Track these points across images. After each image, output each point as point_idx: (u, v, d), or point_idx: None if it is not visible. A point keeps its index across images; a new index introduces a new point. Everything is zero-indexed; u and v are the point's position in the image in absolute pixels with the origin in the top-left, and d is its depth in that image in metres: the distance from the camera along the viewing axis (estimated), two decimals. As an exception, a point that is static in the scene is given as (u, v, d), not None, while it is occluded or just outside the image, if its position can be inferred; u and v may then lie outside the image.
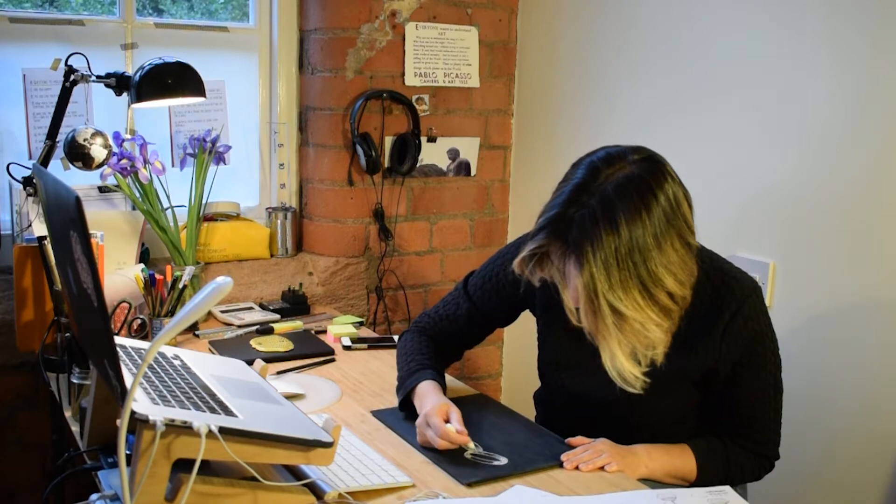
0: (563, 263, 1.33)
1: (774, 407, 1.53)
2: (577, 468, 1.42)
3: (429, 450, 1.45)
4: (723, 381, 1.48)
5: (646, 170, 1.33)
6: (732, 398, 1.50)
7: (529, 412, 1.73)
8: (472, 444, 1.45)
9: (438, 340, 1.74)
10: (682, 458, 1.48)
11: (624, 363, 1.34)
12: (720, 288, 1.44)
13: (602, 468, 1.41)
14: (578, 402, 1.58)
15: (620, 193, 1.29)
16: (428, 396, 1.54)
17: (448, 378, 1.73)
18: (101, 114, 2.27)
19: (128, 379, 1.12)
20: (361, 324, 2.24)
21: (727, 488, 1.32)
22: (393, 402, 1.69)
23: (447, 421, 1.46)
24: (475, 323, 1.72)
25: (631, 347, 1.35)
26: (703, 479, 1.47)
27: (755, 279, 1.52)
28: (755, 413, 1.51)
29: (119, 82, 1.92)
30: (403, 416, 1.60)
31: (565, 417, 1.63)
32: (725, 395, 1.50)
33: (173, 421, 1.07)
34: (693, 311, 1.41)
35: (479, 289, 1.70)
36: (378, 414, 1.62)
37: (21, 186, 1.94)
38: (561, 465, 1.42)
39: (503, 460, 1.42)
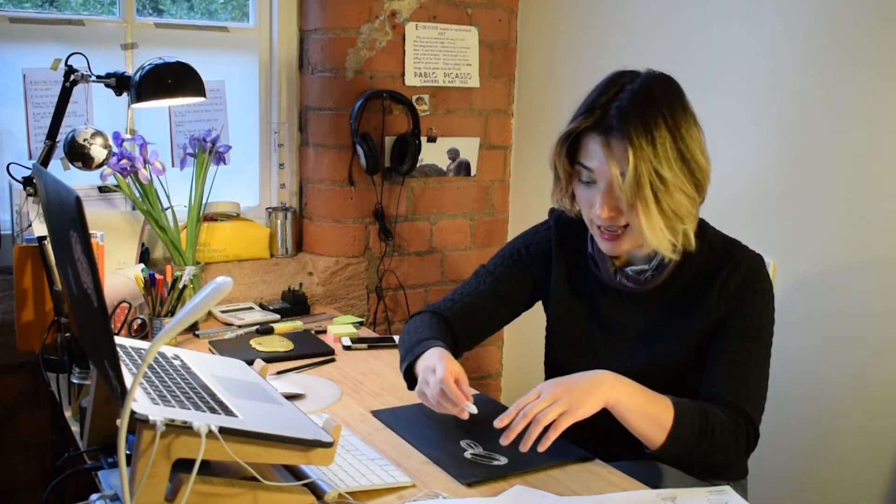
0: (606, 144, 1.41)
1: (758, 371, 1.47)
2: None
3: (429, 449, 1.44)
4: (719, 337, 1.47)
5: (663, 74, 1.51)
6: (716, 350, 1.46)
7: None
8: (472, 406, 1.36)
9: (454, 322, 1.65)
10: (657, 399, 1.37)
11: (660, 225, 1.39)
12: (720, 252, 1.50)
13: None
14: None
15: (652, 82, 1.46)
16: (434, 357, 1.44)
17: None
18: (101, 114, 2.27)
19: (128, 379, 1.12)
20: (361, 324, 2.24)
21: (727, 488, 1.32)
22: (393, 401, 1.69)
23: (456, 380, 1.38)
24: (498, 299, 1.66)
25: (664, 220, 1.40)
26: (677, 425, 1.35)
27: (760, 255, 1.53)
28: (735, 363, 1.44)
29: (119, 82, 1.92)
30: (404, 416, 1.60)
31: None
32: (710, 348, 1.47)
33: (173, 421, 1.07)
34: (693, 276, 1.47)
35: (499, 265, 1.70)
36: (378, 414, 1.62)
37: (21, 186, 1.94)
38: (561, 464, 1.42)
39: (503, 460, 1.42)
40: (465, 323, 1.66)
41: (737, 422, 1.41)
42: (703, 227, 1.52)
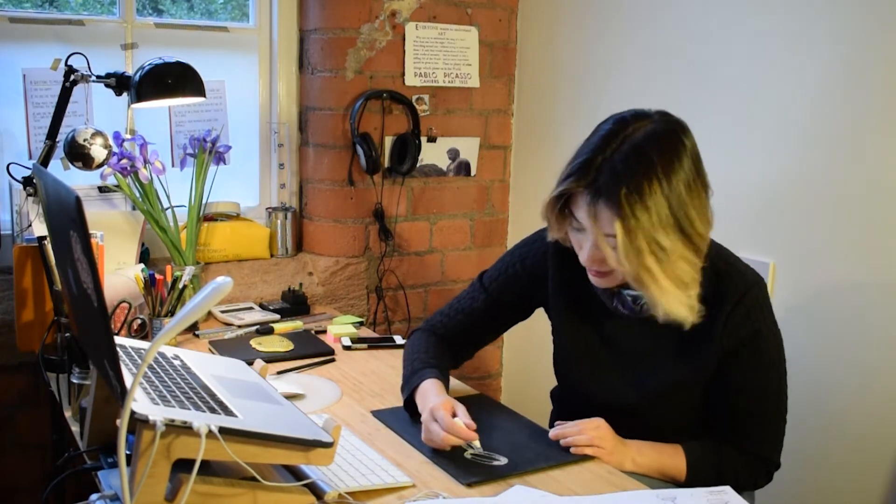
0: (593, 207, 1.34)
1: (774, 408, 1.51)
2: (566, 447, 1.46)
3: (429, 449, 1.44)
4: (727, 377, 1.46)
5: (671, 123, 1.40)
6: (729, 392, 1.47)
7: (529, 412, 1.72)
8: (476, 442, 1.45)
9: (451, 338, 1.72)
10: (672, 458, 1.47)
11: (672, 291, 1.35)
12: (723, 277, 1.43)
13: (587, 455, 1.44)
14: (590, 403, 1.57)
15: (652, 141, 1.34)
16: (429, 394, 1.53)
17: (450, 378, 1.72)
18: (101, 114, 2.27)
19: (128, 379, 1.12)
20: (361, 324, 2.24)
21: (727, 488, 1.32)
22: (393, 401, 1.69)
23: (454, 416, 1.45)
24: (492, 315, 1.71)
25: (674, 285, 1.36)
26: (693, 480, 1.45)
27: (759, 276, 1.50)
28: (751, 409, 1.48)
29: (119, 82, 1.92)
30: (404, 416, 1.59)
31: (578, 416, 1.61)
32: (721, 388, 1.48)
33: (173, 421, 1.07)
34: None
35: (494, 280, 1.70)
36: (378, 414, 1.62)
37: (21, 186, 1.94)
38: (561, 464, 1.42)
39: (503, 460, 1.42)
40: (461, 338, 1.73)
41: (755, 466, 1.49)
42: (713, 252, 1.45)
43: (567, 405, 1.69)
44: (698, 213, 1.34)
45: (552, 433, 1.48)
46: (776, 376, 1.49)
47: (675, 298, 1.35)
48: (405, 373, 1.65)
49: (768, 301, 1.48)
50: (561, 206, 1.42)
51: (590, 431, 1.45)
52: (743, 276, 1.45)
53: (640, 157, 1.32)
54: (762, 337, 1.45)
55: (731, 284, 1.43)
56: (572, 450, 1.44)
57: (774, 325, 1.49)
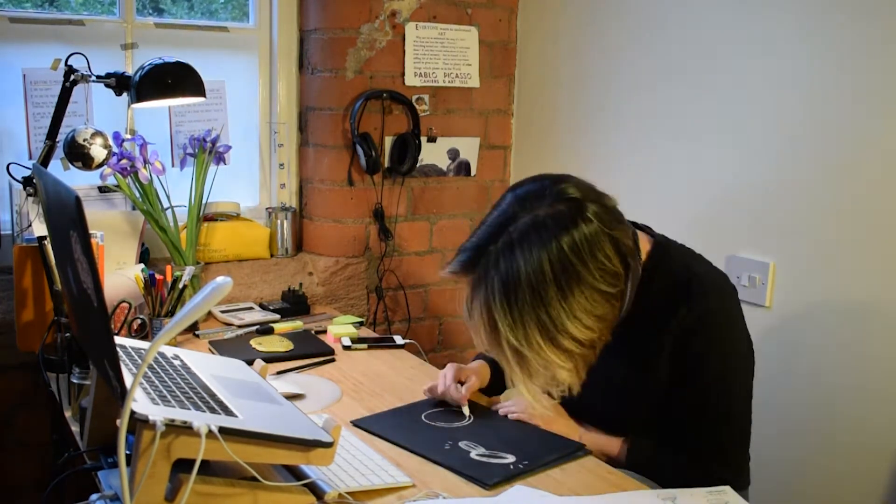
0: (471, 295, 1.33)
1: (726, 420, 1.43)
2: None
3: (432, 454, 1.44)
4: (677, 380, 1.43)
5: (557, 214, 1.29)
6: (681, 401, 1.43)
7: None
8: (466, 409, 1.61)
9: None
10: (610, 442, 1.51)
11: (528, 394, 1.36)
12: (681, 282, 1.42)
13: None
14: (579, 409, 1.59)
15: (524, 236, 1.28)
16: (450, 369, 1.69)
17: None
18: (101, 114, 2.27)
19: (128, 379, 1.12)
20: (361, 324, 2.24)
21: (727, 488, 1.32)
22: (392, 401, 1.69)
23: (462, 381, 1.64)
24: None
25: (537, 382, 1.35)
26: (633, 466, 1.48)
27: (726, 278, 1.47)
28: (704, 421, 1.43)
29: (119, 82, 1.92)
30: (386, 421, 1.58)
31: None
32: (675, 397, 1.44)
33: (173, 421, 1.07)
34: (651, 308, 1.41)
35: None
36: (360, 423, 1.57)
37: (21, 186, 1.94)
38: (567, 460, 1.43)
39: (510, 458, 1.42)
40: None
41: (699, 474, 1.40)
42: (663, 250, 1.45)
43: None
44: (573, 314, 1.28)
45: (495, 407, 1.62)
46: (735, 383, 1.44)
47: (527, 392, 1.36)
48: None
49: (730, 306, 1.44)
50: None
51: (526, 402, 1.52)
52: (703, 282, 1.43)
53: (509, 256, 1.28)
54: (714, 342, 1.41)
55: (687, 290, 1.41)
56: (511, 416, 1.58)
57: (731, 330, 1.44)
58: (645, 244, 1.46)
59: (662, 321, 1.42)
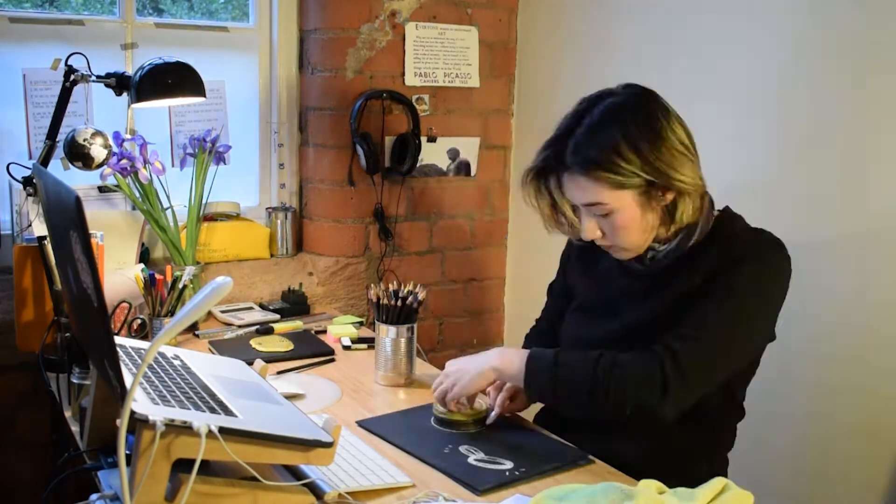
0: (569, 179, 1.44)
1: (716, 331, 1.39)
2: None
3: (431, 457, 1.43)
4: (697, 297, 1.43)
5: (633, 94, 1.46)
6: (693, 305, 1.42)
7: (527, 413, 1.72)
8: (493, 415, 1.56)
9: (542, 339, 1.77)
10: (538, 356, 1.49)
11: (639, 240, 1.45)
12: (728, 227, 1.49)
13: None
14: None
15: (610, 109, 1.42)
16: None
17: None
18: (101, 114, 2.27)
19: (128, 379, 1.12)
20: (361, 324, 2.24)
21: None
22: (393, 402, 1.69)
23: (512, 398, 1.60)
24: (560, 311, 1.73)
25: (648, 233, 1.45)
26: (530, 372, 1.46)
27: (779, 240, 1.48)
28: (696, 317, 1.40)
29: (119, 82, 1.92)
30: (390, 423, 1.58)
31: None
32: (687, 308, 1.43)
33: (173, 421, 1.07)
34: (701, 259, 1.45)
35: (554, 284, 1.80)
36: (364, 423, 1.58)
37: (21, 186, 1.94)
38: (567, 468, 1.42)
39: (508, 463, 1.41)
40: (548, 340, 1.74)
41: (648, 357, 1.38)
42: (730, 220, 1.51)
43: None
44: (676, 147, 1.41)
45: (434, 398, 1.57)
46: (739, 304, 1.40)
47: (634, 242, 1.45)
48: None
49: (775, 252, 1.45)
50: (544, 185, 1.53)
51: (447, 377, 1.54)
52: (759, 233, 1.49)
53: (601, 125, 1.41)
54: (744, 265, 1.41)
55: (739, 238, 1.47)
56: (442, 396, 1.55)
57: (764, 265, 1.43)
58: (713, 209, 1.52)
59: (703, 252, 1.46)
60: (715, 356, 1.40)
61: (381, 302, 1.77)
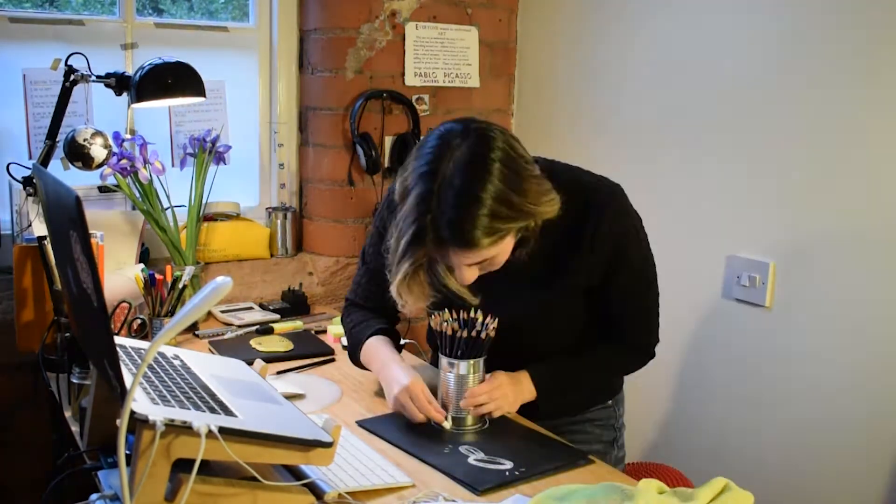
0: (446, 256, 1.39)
1: (647, 304, 1.62)
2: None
3: (431, 457, 1.43)
4: (600, 283, 1.55)
5: (479, 135, 1.39)
6: (604, 299, 1.57)
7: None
8: (446, 424, 1.53)
9: (367, 309, 1.78)
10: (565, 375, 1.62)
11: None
12: (578, 200, 1.48)
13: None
14: (519, 343, 1.63)
15: (465, 169, 1.34)
16: (386, 360, 1.64)
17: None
18: (101, 114, 2.27)
19: (127, 379, 1.12)
20: (361, 324, 2.24)
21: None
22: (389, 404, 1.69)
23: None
24: (376, 282, 1.70)
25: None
26: (547, 393, 1.59)
27: (615, 183, 1.55)
28: (625, 310, 1.59)
29: (119, 82, 1.92)
30: (391, 423, 1.57)
31: None
32: (600, 296, 1.57)
33: (173, 421, 1.07)
34: (557, 230, 1.47)
35: (369, 253, 1.73)
36: (364, 423, 1.58)
37: (21, 186, 1.94)
38: (567, 468, 1.42)
39: (508, 464, 1.41)
40: (372, 307, 1.78)
41: (633, 355, 1.66)
42: (549, 168, 1.51)
43: None
44: (525, 196, 1.38)
45: (463, 403, 1.53)
46: (642, 273, 1.58)
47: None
48: (350, 342, 1.75)
49: (627, 204, 1.54)
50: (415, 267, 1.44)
51: (493, 392, 1.53)
52: (597, 192, 1.52)
53: (468, 196, 1.33)
54: (627, 242, 1.53)
55: (586, 205, 1.50)
56: (482, 408, 1.54)
57: (635, 227, 1.55)
58: None
59: (573, 240, 1.51)
60: (656, 317, 1.65)
61: (446, 332, 1.53)
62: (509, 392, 1.55)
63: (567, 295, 1.57)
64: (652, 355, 1.66)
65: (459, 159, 1.35)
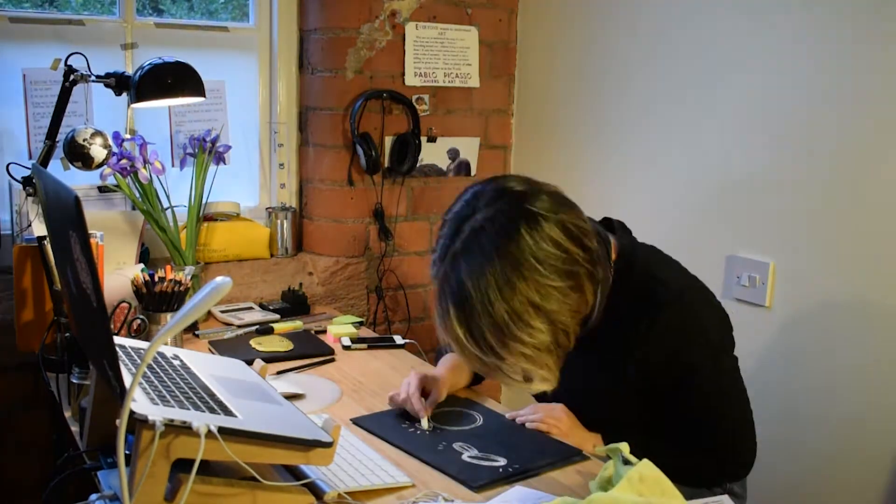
0: (436, 305, 1.35)
1: (724, 413, 1.48)
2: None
3: (427, 455, 1.44)
4: (662, 390, 1.45)
5: (496, 216, 1.28)
6: (675, 408, 1.46)
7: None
8: (424, 422, 1.55)
9: None
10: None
11: (520, 386, 1.36)
12: (641, 295, 1.42)
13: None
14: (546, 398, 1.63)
15: (468, 249, 1.27)
16: (444, 361, 1.74)
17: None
18: (101, 114, 2.27)
19: (127, 379, 1.12)
20: (361, 324, 2.24)
21: (724, 498, 1.30)
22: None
23: (427, 391, 1.62)
24: None
25: (514, 386, 1.37)
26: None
27: (691, 281, 1.48)
28: (705, 423, 1.46)
29: (119, 82, 1.92)
30: (386, 420, 1.58)
31: None
32: (669, 404, 1.46)
33: (172, 421, 1.07)
34: (613, 321, 1.40)
35: None
36: (359, 420, 1.58)
37: (21, 186, 1.94)
38: (561, 464, 1.42)
39: (501, 461, 1.41)
40: None
41: (722, 469, 1.50)
42: (627, 264, 1.44)
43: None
44: (523, 325, 1.26)
45: (510, 414, 1.56)
46: (716, 383, 1.46)
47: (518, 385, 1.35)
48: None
49: (697, 309, 1.44)
50: None
51: (543, 411, 1.54)
52: (665, 289, 1.42)
53: (458, 280, 1.27)
54: (691, 348, 1.42)
55: (649, 301, 1.41)
56: (527, 424, 1.53)
57: (704, 332, 1.44)
58: (613, 249, 1.45)
59: (627, 327, 1.42)
60: (746, 432, 1.51)
61: None
62: (563, 416, 1.51)
63: (611, 391, 1.49)
64: (740, 468, 1.50)
65: (483, 264, 1.26)
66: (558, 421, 1.51)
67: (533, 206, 1.27)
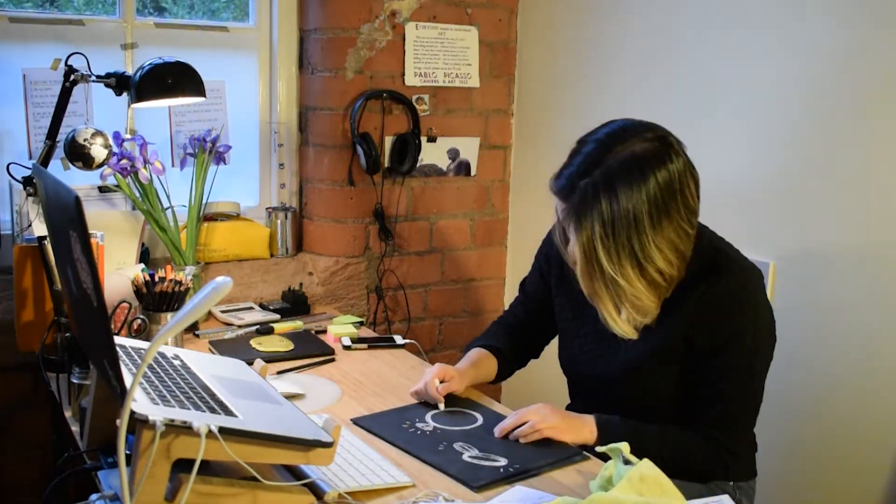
0: (568, 225, 1.43)
1: (740, 394, 1.49)
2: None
3: (427, 455, 1.44)
4: (696, 355, 1.48)
5: (653, 149, 1.39)
6: (699, 374, 1.49)
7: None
8: (441, 405, 1.61)
9: (502, 341, 1.81)
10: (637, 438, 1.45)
11: (618, 323, 1.45)
12: (708, 263, 1.47)
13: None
14: (581, 376, 1.65)
15: (624, 169, 1.37)
16: (467, 356, 1.75)
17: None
18: (101, 114, 2.27)
19: (127, 379, 1.12)
20: (361, 324, 2.24)
21: (724, 497, 1.31)
22: (393, 401, 1.69)
23: (443, 380, 1.64)
24: (529, 311, 1.81)
25: (624, 310, 1.44)
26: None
27: (757, 268, 1.50)
28: (718, 393, 1.48)
29: (119, 82, 1.92)
30: (386, 420, 1.58)
31: (575, 391, 1.73)
32: (694, 370, 1.49)
33: (173, 421, 1.07)
34: (678, 286, 1.46)
35: (527, 281, 1.83)
36: (359, 421, 1.59)
37: (21, 186, 1.94)
38: (561, 464, 1.42)
39: (502, 461, 1.42)
40: (511, 340, 1.82)
41: (717, 452, 1.49)
42: (698, 234, 1.47)
43: (570, 382, 1.76)
44: (660, 246, 1.39)
45: (497, 430, 1.52)
46: (748, 362, 1.49)
47: (614, 321, 1.44)
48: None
49: (758, 292, 1.48)
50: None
51: (530, 416, 1.50)
52: (731, 263, 1.49)
53: (606, 186, 1.37)
54: (740, 320, 1.45)
55: (713, 269, 1.46)
56: (521, 439, 1.49)
57: (758, 313, 1.48)
58: None
59: (689, 289, 1.46)
60: (749, 424, 1.54)
61: None
62: (550, 414, 1.50)
63: (650, 355, 1.50)
64: (728, 454, 1.49)
65: (629, 155, 1.38)
66: (546, 419, 1.50)
67: (679, 151, 1.42)
